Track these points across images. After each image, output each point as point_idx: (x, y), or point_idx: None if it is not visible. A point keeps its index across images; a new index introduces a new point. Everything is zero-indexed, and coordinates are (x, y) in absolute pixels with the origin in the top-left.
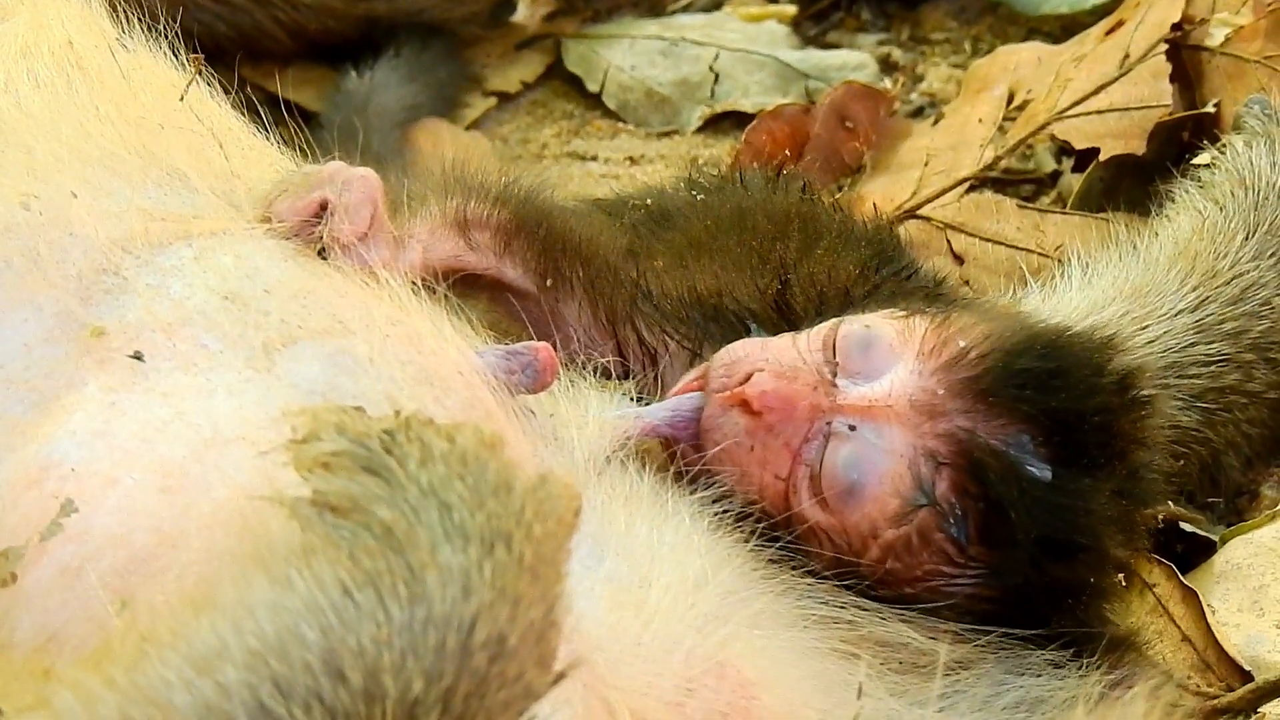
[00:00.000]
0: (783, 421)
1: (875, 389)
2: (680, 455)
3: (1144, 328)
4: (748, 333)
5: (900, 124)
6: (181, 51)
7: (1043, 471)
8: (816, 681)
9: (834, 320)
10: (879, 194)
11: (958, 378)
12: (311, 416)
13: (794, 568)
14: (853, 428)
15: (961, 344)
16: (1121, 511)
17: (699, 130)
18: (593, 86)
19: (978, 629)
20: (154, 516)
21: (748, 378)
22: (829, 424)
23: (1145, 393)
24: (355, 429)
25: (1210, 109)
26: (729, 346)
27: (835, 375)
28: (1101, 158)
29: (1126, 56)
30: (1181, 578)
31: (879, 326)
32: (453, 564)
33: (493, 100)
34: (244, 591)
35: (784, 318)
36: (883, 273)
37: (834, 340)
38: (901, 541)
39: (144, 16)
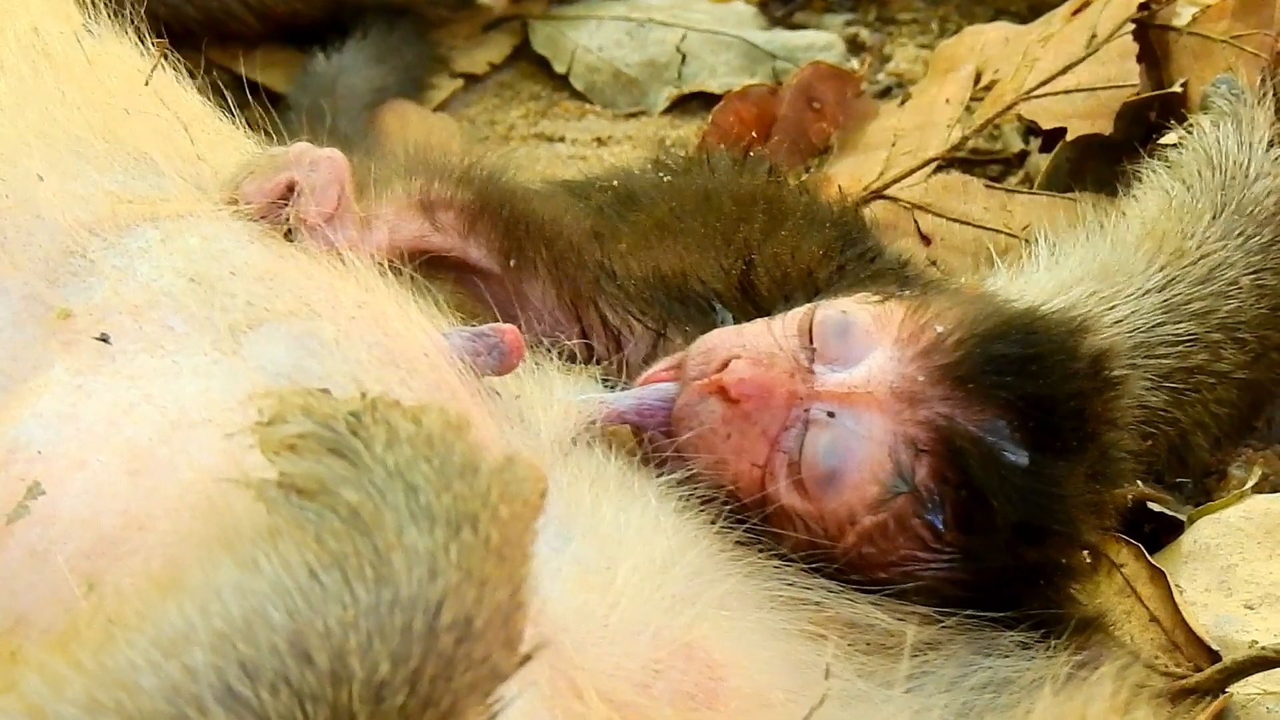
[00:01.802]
0: (760, 409)
1: (854, 375)
2: (649, 442)
3: (1111, 307)
4: (712, 313)
5: (867, 104)
6: (147, 36)
7: (1020, 457)
8: (784, 662)
9: (809, 305)
10: (846, 175)
11: (936, 364)
12: (278, 399)
13: (761, 549)
14: (831, 414)
15: (939, 330)
16: (1094, 494)
17: (666, 111)
18: (560, 68)
19: (946, 610)
20: (121, 499)
21: (724, 365)
22: (807, 411)
23: (1116, 374)
24: (321, 411)
25: (1178, 89)
26: (705, 336)
27: (812, 361)
28: (1069, 138)
29: (1093, 36)
30: (1149, 558)
31: (855, 312)
32: (419, 546)
33: (460, 82)
34: (210, 574)
35: (749, 299)
36: (847, 254)
37: (810, 326)
38: (878, 527)
39: (110, 1)
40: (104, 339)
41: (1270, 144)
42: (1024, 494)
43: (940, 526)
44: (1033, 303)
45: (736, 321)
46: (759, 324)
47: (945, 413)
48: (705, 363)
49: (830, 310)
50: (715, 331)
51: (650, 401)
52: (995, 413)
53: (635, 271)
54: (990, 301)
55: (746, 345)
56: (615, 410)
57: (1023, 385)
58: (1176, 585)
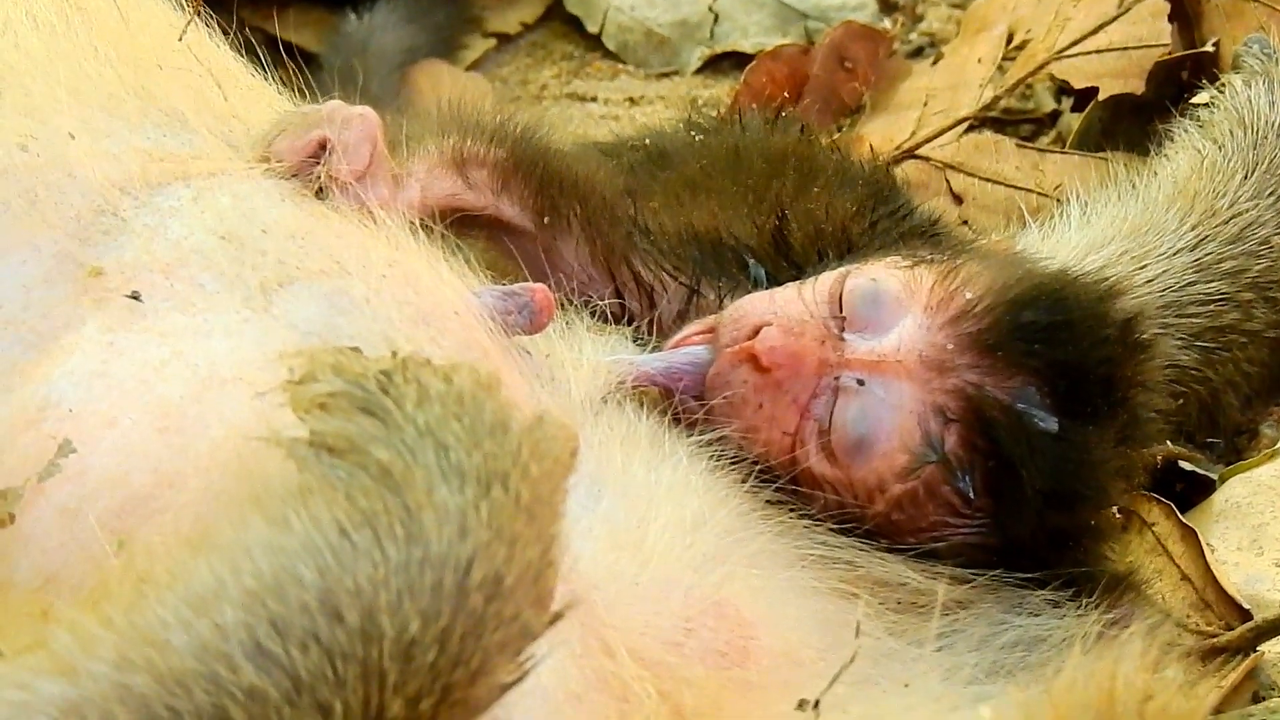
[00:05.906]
0: (791, 377)
1: (884, 344)
2: (680, 405)
3: (1143, 267)
4: (746, 268)
5: (899, 64)
6: None
7: (1049, 424)
8: (815, 620)
9: (839, 271)
10: (878, 134)
11: (965, 331)
12: (308, 357)
13: (792, 509)
14: (861, 382)
15: (968, 296)
16: (1124, 456)
17: (698, 71)
18: (592, 27)
19: (976, 569)
20: (151, 457)
21: (756, 331)
22: (837, 379)
23: (1146, 336)
24: (352, 370)
25: (1209, 48)
26: (738, 302)
27: (843, 329)
28: (1100, 97)
29: None
30: (1180, 516)
31: (885, 279)
32: (449, 504)
33: (492, 41)
34: (241, 532)
35: (782, 254)
36: (879, 212)
37: (840, 293)
38: (908, 495)
39: None
40: (135, 297)
41: None
42: (1053, 461)
43: (970, 494)
44: (1064, 264)
45: (770, 275)
46: (790, 289)
47: (974, 381)
48: (737, 329)
49: (860, 278)
50: (748, 297)
51: (679, 366)
52: (1025, 380)
53: (668, 228)
54: (1021, 265)
55: (778, 312)
56: (644, 372)
57: (1052, 352)
58: (1208, 544)
